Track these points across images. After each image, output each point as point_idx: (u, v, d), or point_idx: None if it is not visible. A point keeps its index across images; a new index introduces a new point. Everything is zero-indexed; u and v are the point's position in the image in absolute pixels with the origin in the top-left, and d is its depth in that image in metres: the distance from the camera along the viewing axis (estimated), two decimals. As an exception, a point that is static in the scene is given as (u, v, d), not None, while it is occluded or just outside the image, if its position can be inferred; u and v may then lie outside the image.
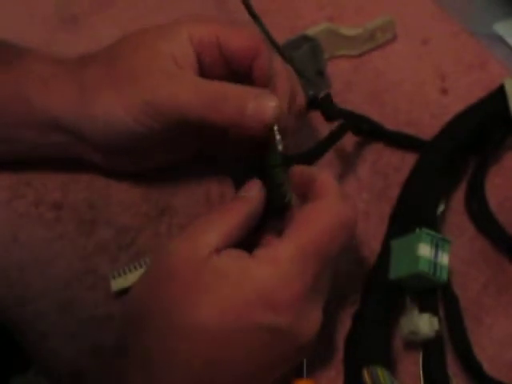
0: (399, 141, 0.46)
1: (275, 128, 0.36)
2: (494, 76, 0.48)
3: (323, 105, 0.43)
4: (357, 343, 0.38)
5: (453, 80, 0.49)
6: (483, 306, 0.41)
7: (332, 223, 0.34)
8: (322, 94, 0.43)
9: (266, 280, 0.32)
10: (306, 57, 0.45)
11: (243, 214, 0.35)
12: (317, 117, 0.44)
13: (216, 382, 0.32)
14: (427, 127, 0.46)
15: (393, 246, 0.39)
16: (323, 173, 0.36)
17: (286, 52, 0.43)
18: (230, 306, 0.32)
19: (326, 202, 0.34)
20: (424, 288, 0.38)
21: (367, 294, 0.39)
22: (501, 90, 0.44)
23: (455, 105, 0.46)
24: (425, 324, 0.37)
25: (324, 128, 0.44)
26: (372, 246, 0.42)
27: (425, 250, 0.36)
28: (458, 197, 0.44)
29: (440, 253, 0.37)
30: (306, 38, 0.46)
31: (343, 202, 0.35)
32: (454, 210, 0.44)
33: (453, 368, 0.38)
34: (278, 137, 0.36)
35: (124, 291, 0.40)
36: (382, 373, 0.35)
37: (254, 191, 0.36)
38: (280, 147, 0.36)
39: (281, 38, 0.45)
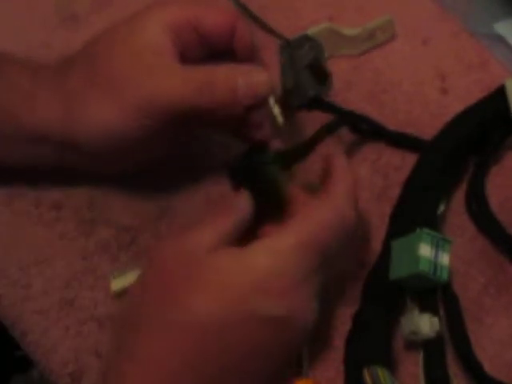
0: (399, 140, 0.46)
1: (271, 101, 0.36)
2: (494, 76, 0.48)
3: (324, 105, 0.43)
4: (357, 343, 0.38)
5: (453, 80, 0.49)
6: (483, 305, 0.41)
7: (333, 220, 0.34)
8: (323, 95, 0.43)
9: (262, 269, 0.32)
10: (308, 57, 0.45)
11: (234, 217, 0.35)
12: (316, 117, 0.44)
13: (216, 375, 0.32)
14: (427, 127, 0.46)
15: (393, 246, 0.39)
16: (340, 167, 0.36)
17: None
18: (228, 298, 0.32)
19: (332, 199, 0.35)
20: (424, 288, 0.38)
21: (367, 294, 0.39)
22: (501, 90, 0.44)
23: (455, 105, 0.46)
24: (425, 324, 0.37)
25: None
26: (372, 246, 0.42)
27: (425, 250, 0.36)
28: (458, 197, 0.44)
29: (440, 253, 0.37)
30: (306, 38, 0.46)
31: (348, 201, 0.35)
32: (454, 209, 0.44)
33: (453, 368, 0.38)
34: (275, 109, 0.36)
35: (124, 291, 0.40)
36: (382, 373, 0.35)
37: (244, 201, 0.36)
38: (280, 120, 0.36)
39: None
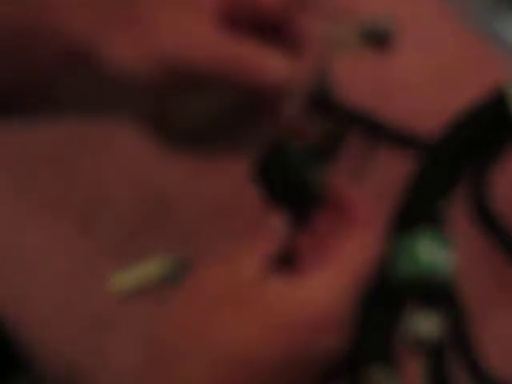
0: (400, 140, 0.46)
1: (293, 94, 0.36)
2: (494, 76, 0.48)
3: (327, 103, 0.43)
4: (357, 343, 0.38)
5: (453, 80, 0.49)
6: (483, 305, 0.41)
7: (373, 254, 0.35)
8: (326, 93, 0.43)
9: (324, 307, 0.32)
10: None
11: (275, 241, 0.35)
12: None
13: None
14: (427, 127, 0.46)
15: (393, 245, 0.39)
16: (361, 197, 0.36)
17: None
18: (287, 335, 0.31)
19: (369, 233, 0.35)
20: (424, 288, 0.38)
21: (367, 293, 0.39)
22: (501, 90, 0.44)
23: (455, 105, 0.46)
24: (425, 324, 0.37)
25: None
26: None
27: (425, 250, 0.36)
28: (458, 197, 0.44)
29: (440, 253, 0.37)
30: None
31: (378, 234, 0.36)
32: (454, 209, 0.44)
33: (453, 368, 0.38)
34: (294, 101, 0.36)
35: (124, 291, 0.40)
36: (382, 373, 0.35)
37: (281, 223, 0.36)
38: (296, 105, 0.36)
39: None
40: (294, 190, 0.37)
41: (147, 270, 0.40)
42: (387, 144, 0.46)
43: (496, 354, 0.39)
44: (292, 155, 0.37)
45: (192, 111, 0.38)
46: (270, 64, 0.35)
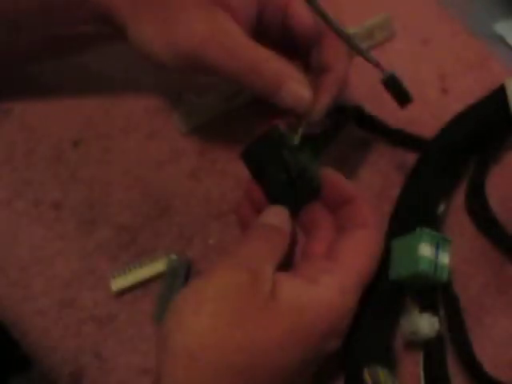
0: (400, 140, 0.46)
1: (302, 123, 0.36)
2: (494, 76, 0.48)
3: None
4: (357, 343, 0.38)
5: (453, 80, 0.49)
6: (483, 305, 0.41)
7: (377, 253, 0.35)
8: None
9: (338, 310, 0.32)
10: None
11: (284, 246, 0.35)
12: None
13: None
14: (427, 127, 0.46)
15: (393, 246, 0.39)
16: (361, 196, 0.36)
17: (354, 45, 0.38)
18: (306, 339, 0.31)
19: (373, 231, 0.35)
20: (424, 288, 0.38)
21: (367, 293, 0.39)
22: (501, 90, 0.44)
23: (455, 105, 0.46)
24: (425, 324, 0.37)
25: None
26: (372, 245, 0.42)
27: (425, 250, 0.36)
28: (458, 197, 0.44)
29: (440, 252, 0.37)
30: None
31: (381, 230, 0.36)
32: (454, 209, 0.44)
33: (453, 368, 0.38)
34: (300, 129, 0.36)
35: (124, 291, 0.40)
36: (382, 373, 0.35)
37: (287, 224, 0.36)
38: (296, 140, 0.36)
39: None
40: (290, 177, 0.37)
41: (147, 269, 0.40)
42: (387, 143, 0.46)
43: (495, 353, 0.39)
44: (285, 141, 0.37)
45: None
46: (293, 87, 0.36)
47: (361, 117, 0.44)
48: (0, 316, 0.40)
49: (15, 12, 0.39)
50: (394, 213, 0.42)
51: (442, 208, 0.42)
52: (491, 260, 0.42)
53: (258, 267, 0.32)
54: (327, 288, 0.32)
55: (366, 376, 0.35)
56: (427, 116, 0.47)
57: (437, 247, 0.37)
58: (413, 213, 0.41)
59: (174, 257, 0.41)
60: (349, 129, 0.45)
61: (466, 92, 0.48)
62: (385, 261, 0.39)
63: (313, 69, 0.38)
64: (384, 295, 0.39)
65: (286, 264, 0.36)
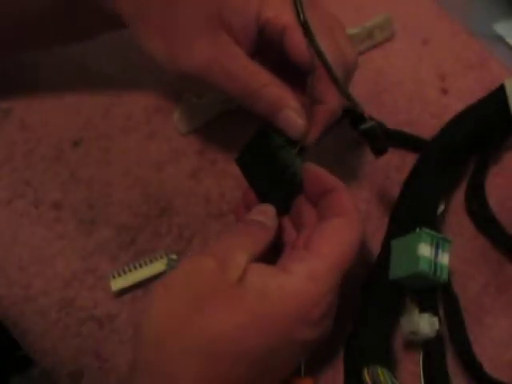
0: (400, 140, 0.46)
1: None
2: (494, 76, 0.48)
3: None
4: (357, 343, 0.38)
5: (453, 80, 0.49)
6: (483, 305, 0.41)
7: (355, 240, 0.34)
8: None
9: (306, 296, 0.32)
10: None
11: (265, 240, 0.35)
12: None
13: None
14: (427, 127, 0.46)
15: (393, 245, 0.39)
16: (341, 186, 0.36)
17: (342, 89, 0.38)
18: (271, 325, 0.31)
19: (350, 219, 0.35)
20: (424, 288, 0.38)
21: (367, 294, 0.39)
22: (501, 90, 0.44)
23: (455, 105, 0.46)
24: (425, 324, 0.37)
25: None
26: (372, 246, 0.42)
27: (425, 250, 0.36)
28: (458, 197, 0.44)
29: (440, 252, 0.37)
30: None
31: (359, 218, 0.35)
32: (454, 209, 0.44)
33: (453, 368, 0.38)
34: (294, 150, 0.37)
35: (124, 291, 0.40)
36: (382, 373, 0.35)
37: (271, 220, 0.36)
38: (294, 151, 0.37)
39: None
40: (276, 175, 0.38)
41: (147, 269, 0.40)
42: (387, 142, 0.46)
43: (495, 353, 0.39)
44: (271, 142, 0.38)
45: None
46: (289, 115, 0.36)
47: (353, 118, 0.44)
48: (0, 316, 0.40)
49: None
50: (393, 213, 0.42)
51: (441, 208, 0.42)
52: (491, 260, 0.42)
53: (227, 255, 0.32)
54: (296, 275, 0.32)
55: (366, 376, 0.35)
56: (427, 116, 0.47)
57: (436, 247, 0.37)
58: (413, 213, 0.41)
59: (173, 257, 0.41)
60: (348, 129, 0.45)
61: (466, 92, 0.48)
62: (385, 261, 0.39)
63: (308, 94, 0.38)
64: (384, 295, 0.39)
65: (274, 258, 0.36)
